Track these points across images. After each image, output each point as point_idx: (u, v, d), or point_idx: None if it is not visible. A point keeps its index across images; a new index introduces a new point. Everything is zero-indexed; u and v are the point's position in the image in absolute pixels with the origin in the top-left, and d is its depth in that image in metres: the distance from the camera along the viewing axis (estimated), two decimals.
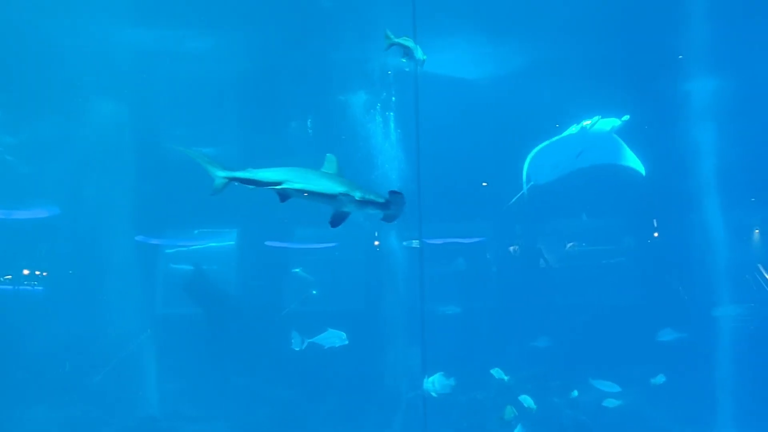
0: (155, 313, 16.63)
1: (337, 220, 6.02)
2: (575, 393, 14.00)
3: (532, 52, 14.33)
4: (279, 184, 5.84)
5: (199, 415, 14.86)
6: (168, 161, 16.70)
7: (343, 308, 16.27)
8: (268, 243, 17.45)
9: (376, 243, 16.22)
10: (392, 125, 15.22)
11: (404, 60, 9.62)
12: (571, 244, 17.41)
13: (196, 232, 18.11)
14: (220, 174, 5.95)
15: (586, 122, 12.15)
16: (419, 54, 9.33)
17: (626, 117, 11.77)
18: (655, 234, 17.40)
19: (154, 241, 17.57)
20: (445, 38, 13.54)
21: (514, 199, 14.31)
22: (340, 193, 5.79)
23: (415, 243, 16.75)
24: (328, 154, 6.09)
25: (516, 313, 16.44)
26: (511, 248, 17.53)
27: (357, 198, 5.79)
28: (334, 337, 13.98)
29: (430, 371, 12.56)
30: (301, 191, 5.82)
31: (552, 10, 13.15)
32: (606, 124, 12.35)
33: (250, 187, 5.90)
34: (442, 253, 17.32)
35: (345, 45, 14.40)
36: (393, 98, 14.88)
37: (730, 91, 15.25)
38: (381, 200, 5.80)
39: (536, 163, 13.64)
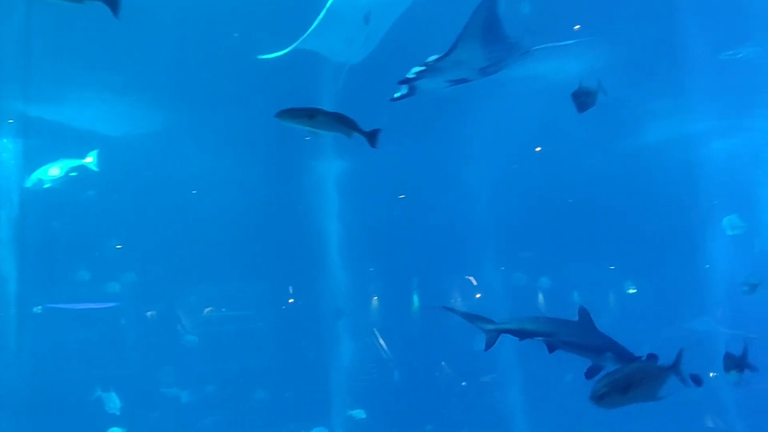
0: None
1: (592, 373, 6.07)
2: None
3: (169, 113, 14.39)
4: (549, 336, 6.08)
5: None
6: None
7: None
8: None
9: None
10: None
11: None
12: (208, 309, 17.53)
13: None
14: (489, 327, 6.21)
15: None
16: None
17: None
18: (291, 300, 18.38)
19: None
20: (76, 91, 13.05)
21: (340, 85, 12.78)
22: (608, 351, 6.05)
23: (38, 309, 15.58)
24: (580, 306, 6.26)
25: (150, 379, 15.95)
26: (149, 313, 17.07)
27: (617, 357, 6.02)
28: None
29: None
30: (569, 344, 6.06)
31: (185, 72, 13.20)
32: None
33: None
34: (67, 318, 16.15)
35: None
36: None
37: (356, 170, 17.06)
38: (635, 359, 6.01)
39: (326, 42, 11.73)
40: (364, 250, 17.17)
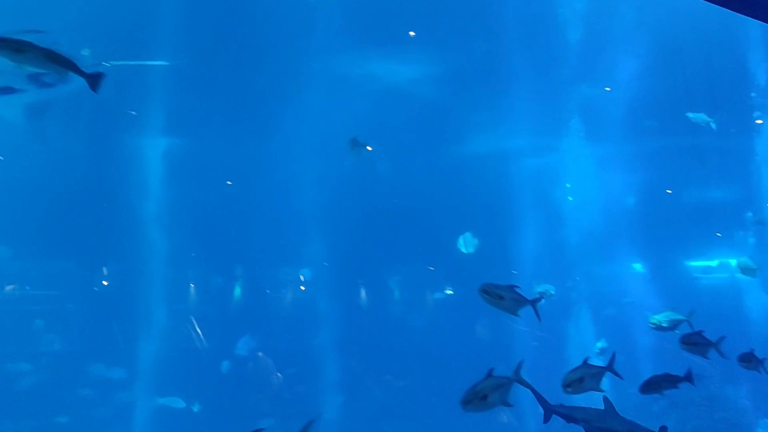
0: None
1: None
2: None
3: None
4: (589, 423, 6.64)
5: None
6: None
7: None
8: None
9: None
10: None
11: None
12: (11, 286, 16.19)
13: None
14: (546, 405, 6.76)
15: None
16: None
17: None
18: (105, 282, 17.46)
19: None
20: None
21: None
22: None
23: None
24: (604, 396, 6.76)
25: None
26: None
27: None
28: None
29: None
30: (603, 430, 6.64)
31: None
32: None
33: None
34: None
35: None
36: None
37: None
38: None
39: None
40: (188, 234, 16.68)
